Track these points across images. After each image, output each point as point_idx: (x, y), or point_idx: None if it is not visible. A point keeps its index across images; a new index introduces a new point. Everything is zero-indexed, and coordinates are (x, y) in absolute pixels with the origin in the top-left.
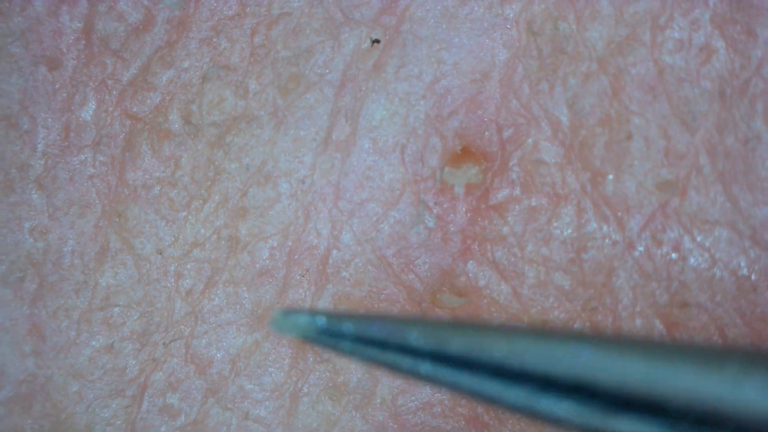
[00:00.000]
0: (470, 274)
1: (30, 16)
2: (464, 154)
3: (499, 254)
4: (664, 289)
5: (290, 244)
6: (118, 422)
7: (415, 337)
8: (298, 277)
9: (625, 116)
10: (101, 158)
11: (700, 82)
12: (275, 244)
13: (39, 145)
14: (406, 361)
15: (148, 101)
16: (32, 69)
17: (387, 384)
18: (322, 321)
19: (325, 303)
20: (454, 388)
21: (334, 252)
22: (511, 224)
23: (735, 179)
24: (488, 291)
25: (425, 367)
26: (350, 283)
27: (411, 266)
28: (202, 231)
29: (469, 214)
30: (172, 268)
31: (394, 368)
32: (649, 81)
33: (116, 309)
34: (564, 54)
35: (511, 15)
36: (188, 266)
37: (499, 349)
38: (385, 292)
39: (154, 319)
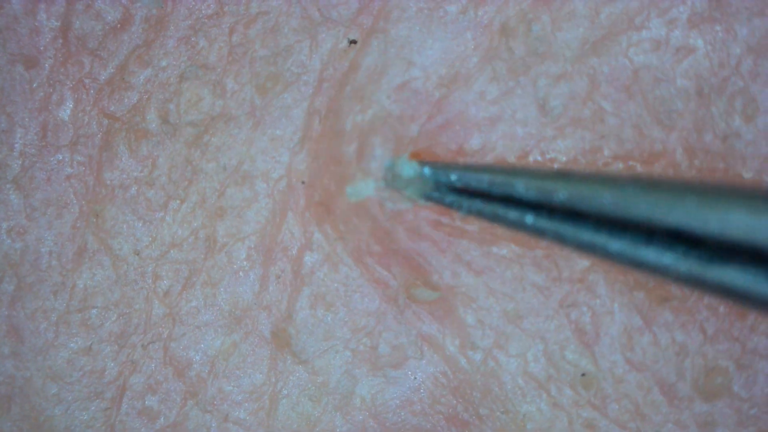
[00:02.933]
0: (444, 271)
1: (7, 14)
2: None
3: (473, 251)
4: None
5: (267, 244)
6: (98, 425)
7: (521, 187)
8: (275, 278)
9: (599, 116)
10: (79, 158)
11: (677, 81)
12: (252, 245)
13: (16, 145)
14: (512, 213)
15: (126, 100)
16: (9, 68)
17: (366, 384)
18: (428, 171)
19: (302, 303)
20: (558, 239)
21: (308, 252)
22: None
23: (714, 176)
24: (463, 288)
25: (530, 218)
26: (325, 282)
27: (385, 264)
28: (180, 231)
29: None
30: (150, 269)
31: (500, 220)
32: (624, 81)
33: (94, 310)
34: (536, 55)
35: (485, 18)
36: (166, 267)
37: (604, 198)
38: (360, 290)
39: (132, 320)
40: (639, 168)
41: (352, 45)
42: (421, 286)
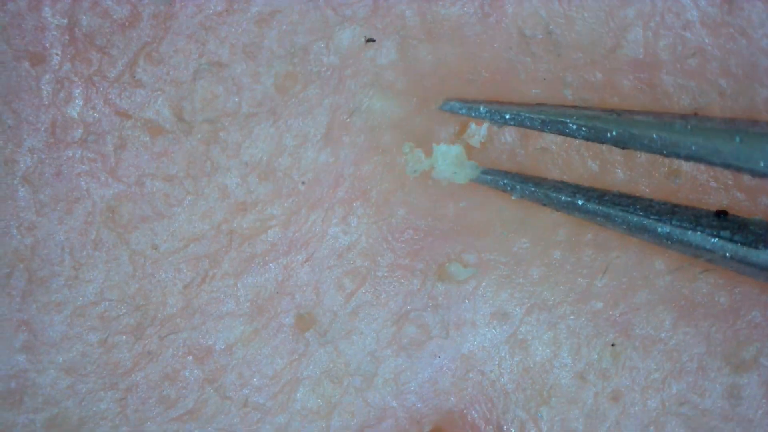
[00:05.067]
0: (477, 250)
1: (11, 10)
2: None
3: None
4: None
5: (291, 235)
6: (112, 415)
7: (572, 125)
8: (299, 266)
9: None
10: (90, 155)
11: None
12: (276, 236)
13: (25, 141)
14: (564, 196)
15: (137, 98)
16: (15, 64)
17: (390, 364)
18: (484, 108)
19: (328, 286)
20: (608, 221)
21: (341, 236)
22: None
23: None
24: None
25: (581, 200)
26: (354, 265)
27: (415, 247)
28: (200, 225)
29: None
30: (169, 262)
31: (552, 203)
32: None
33: (110, 303)
34: (557, 56)
35: (503, 21)
36: (185, 260)
37: (654, 136)
38: (389, 272)
39: (149, 312)
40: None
41: (370, 43)
42: (455, 264)
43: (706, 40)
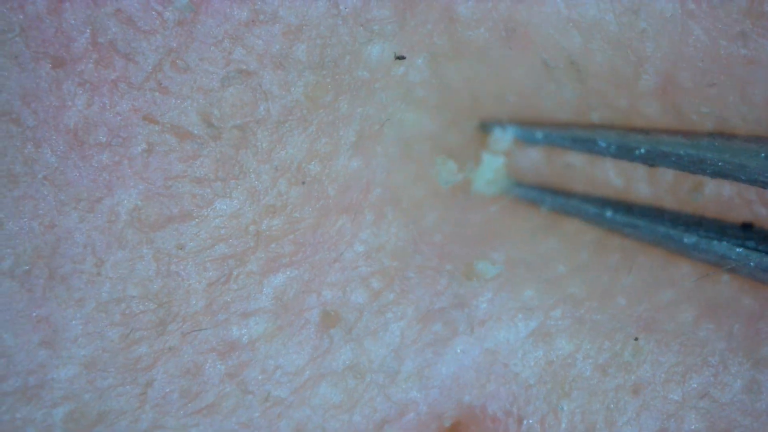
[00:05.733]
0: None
1: (30, 13)
2: None
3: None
4: None
5: (319, 237)
6: (131, 410)
7: (602, 143)
8: (327, 266)
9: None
10: (115, 157)
11: None
12: (304, 237)
13: (45, 142)
14: (592, 209)
15: (163, 104)
16: (34, 66)
17: (414, 361)
18: (514, 130)
19: (356, 284)
20: (636, 233)
21: (371, 237)
22: None
23: None
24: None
25: (610, 212)
26: (382, 265)
27: (443, 248)
28: (227, 227)
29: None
30: (194, 262)
31: (581, 215)
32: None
33: (132, 301)
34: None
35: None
36: (211, 260)
37: (681, 151)
38: (416, 271)
39: (172, 309)
40: None
41: (399, 60)
42: (483, 260)
43: (724, 71)
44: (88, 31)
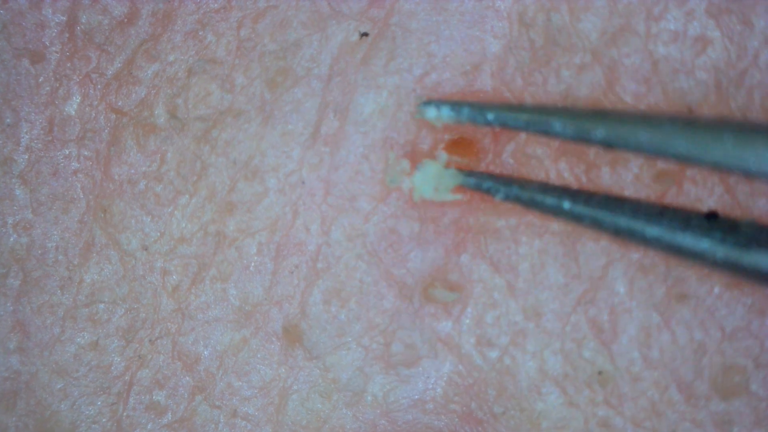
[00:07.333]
0: (464, 269)
1: (12, 8)
2: (457, 145)
3: (493, 248)
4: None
5: (278, 239)
6: (104, 420)
7: (558, 126)
8: (288, 273)
9: (620, 108)
10: (85, 153)
11: (696, 73)
12: (263, 240)
13: (22, 140)
14: (550, 199)
15: (133, 95)
16: (14, 62)
17: (378, 381)
18: (466, 110)
19: (315, 299)
20: (596, 225)
21: (324, 248)
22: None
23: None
24: (482, 285)
25: (568, 204)
26: (340, 278)
27: (402, 261)
28: (189, 226)
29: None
30: (158, 264)
31: (537, 206)
32: (643, 72)
33: (101, 305)
34: (557, 46)
35: (503, 7)
36: (174, 262)
37: (641, 136)
38: (375, 287)
39: (140, 315)
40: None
41: (364, 38)
42: (439, 287)
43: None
44: (65, 23)
